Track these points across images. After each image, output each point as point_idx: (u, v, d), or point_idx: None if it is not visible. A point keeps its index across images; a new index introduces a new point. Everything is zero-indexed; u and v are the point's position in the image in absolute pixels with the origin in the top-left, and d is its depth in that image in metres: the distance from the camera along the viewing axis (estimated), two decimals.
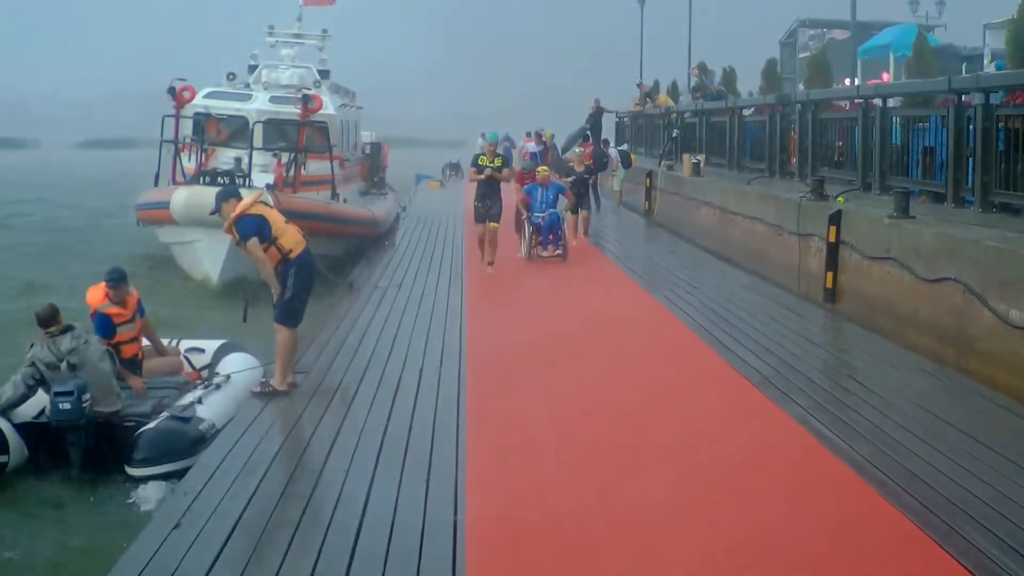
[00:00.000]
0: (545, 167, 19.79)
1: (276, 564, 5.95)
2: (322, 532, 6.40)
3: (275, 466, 7.76)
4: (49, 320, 9.90)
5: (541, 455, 7.89)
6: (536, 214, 18.32)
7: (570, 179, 20.76)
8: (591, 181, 21.70)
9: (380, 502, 6.88)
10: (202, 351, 11.67)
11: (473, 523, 6.45)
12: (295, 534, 6.38)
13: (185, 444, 9.21)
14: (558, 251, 18.26)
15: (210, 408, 9.86)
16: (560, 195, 18.89)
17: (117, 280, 10.76)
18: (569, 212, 19.68)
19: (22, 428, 9.67)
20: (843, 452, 7.71)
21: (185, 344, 11.87)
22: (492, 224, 17.16)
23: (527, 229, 18.57)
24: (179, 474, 8.72)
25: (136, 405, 10.09)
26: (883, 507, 6.62)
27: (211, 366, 11.35)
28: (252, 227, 9.78)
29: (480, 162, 17.46)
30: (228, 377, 10.69)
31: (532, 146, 28.11)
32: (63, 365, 9.70)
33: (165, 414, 9.61)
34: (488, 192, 17.24)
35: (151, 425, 9.40)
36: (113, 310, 10.69)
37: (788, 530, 6.35)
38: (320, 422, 8.87)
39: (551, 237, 18.32)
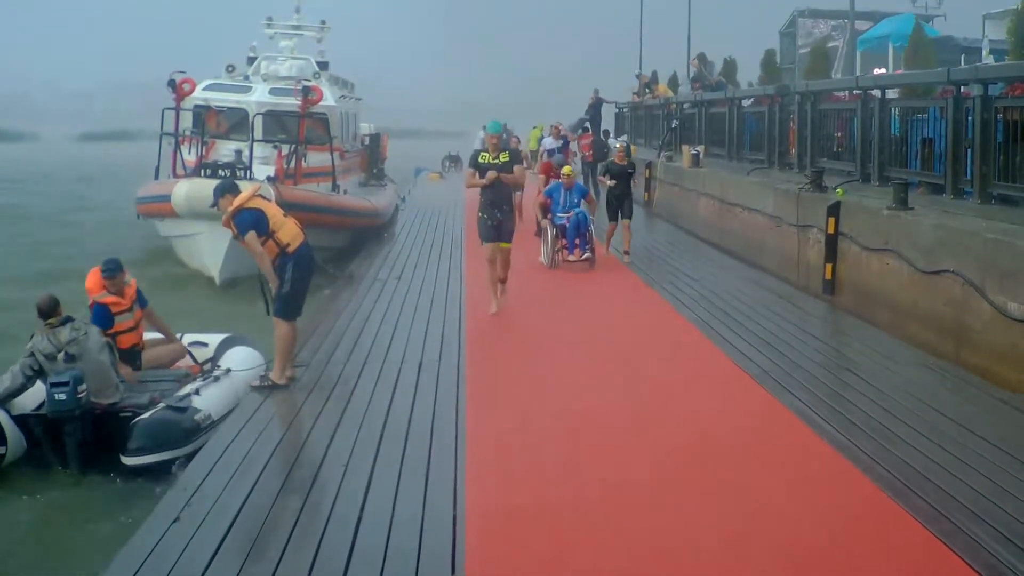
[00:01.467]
0: (570, 167, 17.35)
1: (276, 557, 5.98)
2: (321, 525, 6.43)
3: (274, 460, 7.78)
4: (50, 311, 9.94)
5: (540, 448, 7.90)
6: (560, 214, 16.36)
7: (607, 178, 17.50)
8: (632, 177, 17.80)
9: (379, 495, 6.90)
10: (205, 345, 11.71)
11: (472, 516, 6.47)
12: (294, 528, 6.41)
13: (179, 433, 9.29)
14: (586, 255, 16.31)
15: (206, 399, 9.91)
16: (583, 199, 16.92)
17: (113, 270, 10.82)
18: (609, 219, 17.37)
19: (21, 420, 9.72)
20: (841, 445, 7.72)
21: (188, 338, 11.90)
22: (504, 244, 13.15)
23: (550, 232, 16.52)
24: (172, 463, 8.85)
25: (134, 397, 10.13)
26: (881, 500, 6.64)
27: (214, 360, 11.38)
28: (250, 221, 9.80)
29: (480, 160, 13.04)
30: (228, 370, 10.73)
31: (550, 141, 24.21)
32: (61, 356, 9.74)
33: (161, 404, 9.66)
34: (496, 199, 13.01)
35: (146, 415, 9.46)
36: (110, 299, 10.73)
37: (786, 524, 6.36)
38: (319, 416, 8.89)
39: (578, 241, 16.37)
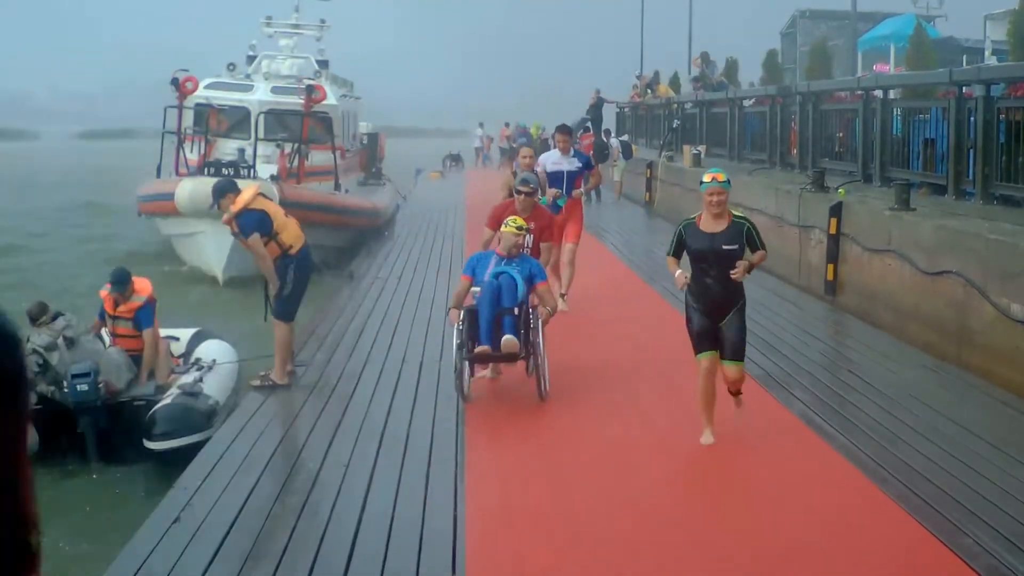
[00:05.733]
0: (520, 220, 9.25)
1: (275, 560, 5.96)
2: (321, 528, 6.41)
3: (274, 461, 7.78)
4: (40, 314, 10.25)
5: (541, 450, 7.88)
6: (475, 288, 9.00)
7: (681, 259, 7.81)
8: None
9: (380, 497, 6.88)
10: (177, 339, 11.88)
11: (473, 518, 6.45)
12: (294, 529, 6.40)
13: (200, 417, 9.66)
14: (508, 341, 8.64)
15: (211, 387, 10.30)
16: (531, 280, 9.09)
17: (114, 282, 10.99)
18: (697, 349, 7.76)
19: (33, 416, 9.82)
20: (842, 446, 7.71)
21: (160, 333, 12.01)
22: None
23: (455, 330, 8.95)
24: (195, 447, 8.87)
25: (139, 387, 10.49)
26: (884, 503, 6.62)
27: (187, 353, 11.64)
28: (253, 222, 9.79)
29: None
30: (214, 360, 11.06)
31: (555, 157, 12.75)
32: (60, 340, 10.04)
33: (175, 391, 9.99)
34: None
35: (166, 401, 9.78)
36: (103, 293, 11.06)
37: (788, 526, 6.34)
38: (320, 417, 8.88)
39: (498, 323, 8.80)
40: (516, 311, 8.84)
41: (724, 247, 7.42)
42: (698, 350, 7.73)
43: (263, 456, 7.83)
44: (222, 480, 7.30)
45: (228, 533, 6.36)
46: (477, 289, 8.90)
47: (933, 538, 6.04)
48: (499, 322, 8.78)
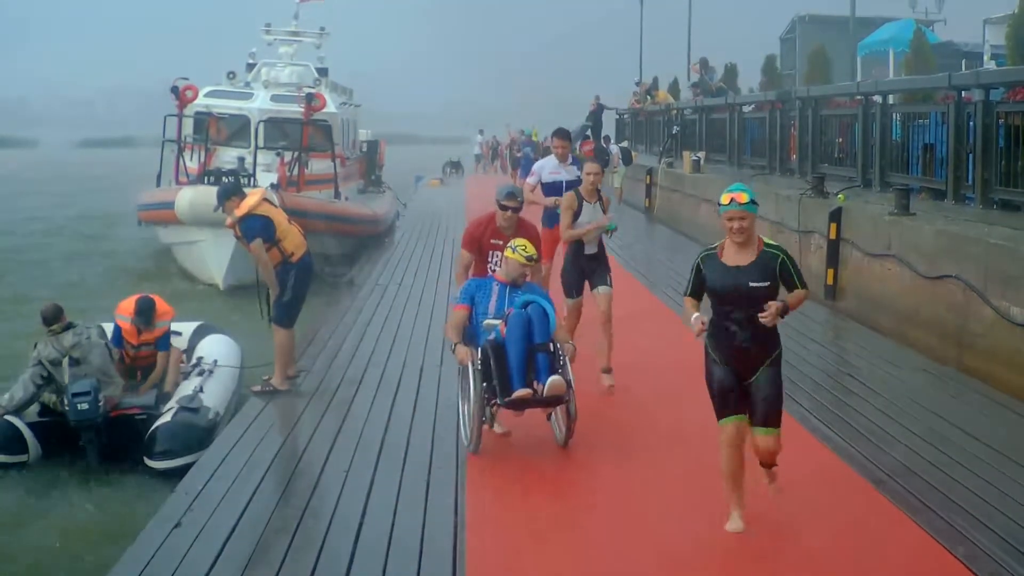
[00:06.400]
0: (525, 244, 8.06)
1: (276, 564, 5.97)
2: (323, 532, 6.42)
3: (276, 465, 7.78)
4: (53, 319, 10.13)
5: (542, 453, 7.88)
6: (488, 321, 7.87)
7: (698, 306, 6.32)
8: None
9: (380, 502, 6.89)
10: (179, 334, 11.81)
11: (474, 523, 6.45)
12: (295, 534, 6.40)
13: (200, 434, 9.55)
14: (561, 391, 7.45)
15: (211, 396, 10.21)
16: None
17: (138, 313, 10.86)
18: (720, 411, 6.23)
19: (32, 427, 9.97)
20: (842, 450, 7.72)
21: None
22: None
23: (470, 371, 7.65)
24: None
25: (141, 398, 10.42)
26: (884, 505, 6.63)
27: (190, 350, 11.59)
28: (257, 228, 9.82)
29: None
30: (215, 362, 11.01)
31: (551, 165, 11.83)
32: (65, 360, 9.93)
33: (174, 406, 9.89)
34: None
35: (166, 419, 9.68)
36: (126, 326, 10.85)
37: (788, 528, 6.34)
38: (320, 421, 8.89)
39: (533, 364, 7.60)
40: (551, 347, 7.64)
41: (751, 284, 6.00)
42: (720, 413, 6.18)
43: (264, 461, 7.84)
44: (223, 485, 7.31)
45: (229, 538, 6.37)
46: (497, 322, 7.71)
47: (934, 542, 6.05)
48: (531, 361, 7.53)
